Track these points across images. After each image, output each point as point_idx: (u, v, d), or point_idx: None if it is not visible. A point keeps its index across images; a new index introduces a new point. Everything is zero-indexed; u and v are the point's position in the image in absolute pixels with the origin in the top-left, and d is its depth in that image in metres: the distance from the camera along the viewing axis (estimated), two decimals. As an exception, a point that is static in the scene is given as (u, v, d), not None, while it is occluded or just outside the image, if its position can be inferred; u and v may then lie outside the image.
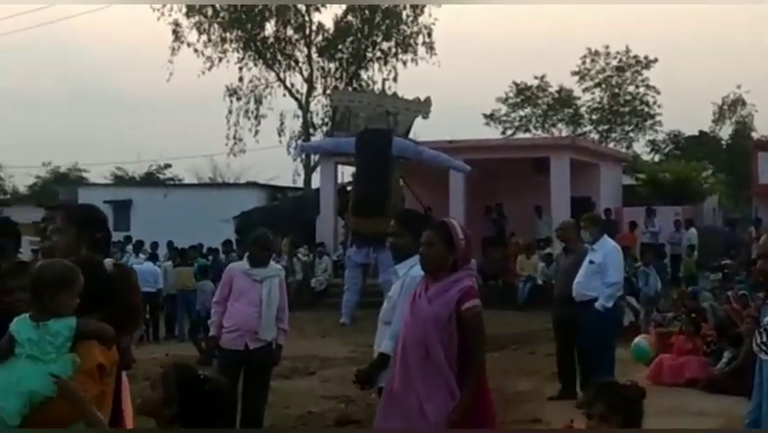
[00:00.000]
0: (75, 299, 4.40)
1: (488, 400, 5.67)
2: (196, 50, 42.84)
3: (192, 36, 42.85)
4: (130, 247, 25.79)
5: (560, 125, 50.51)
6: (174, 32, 42.77)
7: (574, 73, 49.71)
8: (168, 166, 54.87)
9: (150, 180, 50.91)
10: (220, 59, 43.26)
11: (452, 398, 5.42)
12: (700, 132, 50.80)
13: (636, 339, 14.40)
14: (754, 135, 46.10)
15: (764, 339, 4.70)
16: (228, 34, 43.14)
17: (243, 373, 8.72)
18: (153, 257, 23.11)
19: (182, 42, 42.86)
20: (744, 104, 50.77)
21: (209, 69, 43.14)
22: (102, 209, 6.04)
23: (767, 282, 5.13)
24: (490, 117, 50.87)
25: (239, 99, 44.26)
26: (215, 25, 42.90)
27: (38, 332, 4.33)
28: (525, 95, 50.80)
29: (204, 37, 42.84)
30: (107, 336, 4.45)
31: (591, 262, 10.96)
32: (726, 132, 51.49)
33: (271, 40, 43.51)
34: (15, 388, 4.22)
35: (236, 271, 9.06)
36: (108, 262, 5.00)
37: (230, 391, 4.08)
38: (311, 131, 43.53)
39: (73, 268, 4.48)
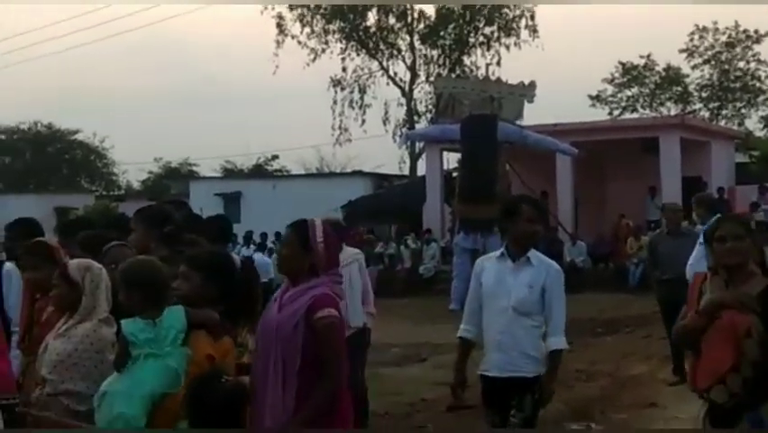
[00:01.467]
0: (168, 295, 4.64)
1: (343, 419, 4.90)
2: (299, 42, 43.43)
3: (295, 29, 43.45)
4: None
5: (668, 104, 49.53)
6: (278, 24, 43.41)
7: (682, 50, 48.66)
8: (275, 157, 55.60)
9: (259, 172, 51.59)
10: (323, 51, 43.78)
11: (283, 416, 4.70)
12: (815, 105, 49.23)
13: None
14: None
15: None
16: (331, 26, 43.48)
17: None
18: (262, 247, 23.45)
19: (286, 35, 43.47)
20: None
21: (313, 60, 43.71)
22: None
23: None
24: (596, 99, 50.13)
25: (343, 89, 44.64)
26: (318, 17, 43.28)
27: (154, 330, 4.45)
28: (631, 74, 49.90)
29: (307, 29, 43.38)
30: (214, 324, 4.57)
31: (701, 243, 10.55)
32: (843, 104, 49.81)
33: (373, 29, 43.72)
34: (138, 392, 4.33)
35: None
36: (236, 257, 5.18)
37: (240, 397, 4.30)
38: (415, 118, 43.62)
39: (152, 264, 4.76)
